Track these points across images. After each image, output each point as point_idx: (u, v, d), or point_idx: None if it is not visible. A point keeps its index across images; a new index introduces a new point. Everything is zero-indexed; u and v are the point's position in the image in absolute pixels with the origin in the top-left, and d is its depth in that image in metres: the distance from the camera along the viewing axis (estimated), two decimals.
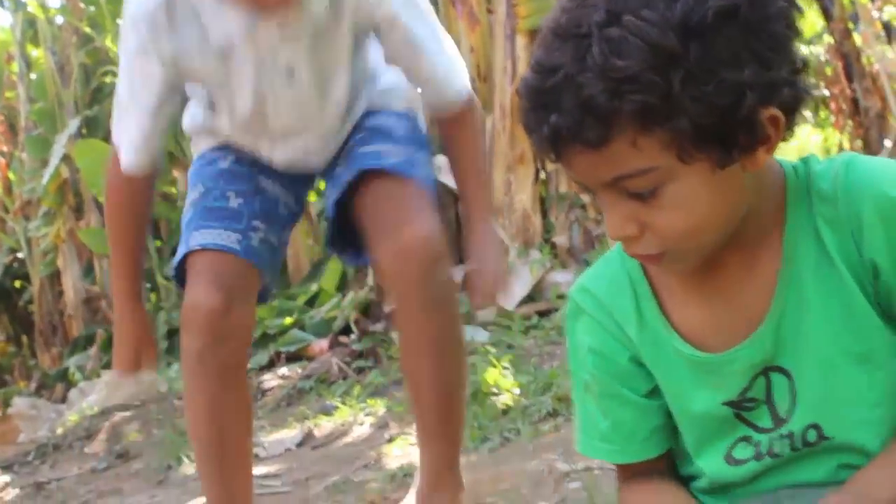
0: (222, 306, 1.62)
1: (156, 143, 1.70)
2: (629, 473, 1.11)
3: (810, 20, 6.85)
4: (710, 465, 1.06)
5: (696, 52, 0.84)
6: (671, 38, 0.83)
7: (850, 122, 5.81)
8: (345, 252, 1.85)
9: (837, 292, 0.98)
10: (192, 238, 1.68)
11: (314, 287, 4.44)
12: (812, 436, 1.01)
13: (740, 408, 1.03)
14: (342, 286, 4.36)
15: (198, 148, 1.85)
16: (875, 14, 5.56)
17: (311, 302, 4.36)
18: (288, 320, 4.18)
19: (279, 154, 1.78)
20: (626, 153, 0.87)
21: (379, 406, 3.20)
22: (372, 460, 2.63)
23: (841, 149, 6.04)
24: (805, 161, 1.00)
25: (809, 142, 7.53)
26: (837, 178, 0.97)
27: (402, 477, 2.33)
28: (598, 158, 0.88)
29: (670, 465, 1.11)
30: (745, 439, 1.04)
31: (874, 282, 0.97)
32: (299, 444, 3.05)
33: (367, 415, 3.16)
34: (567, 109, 0.85)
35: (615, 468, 1.13)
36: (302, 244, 4.76)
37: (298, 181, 1.86)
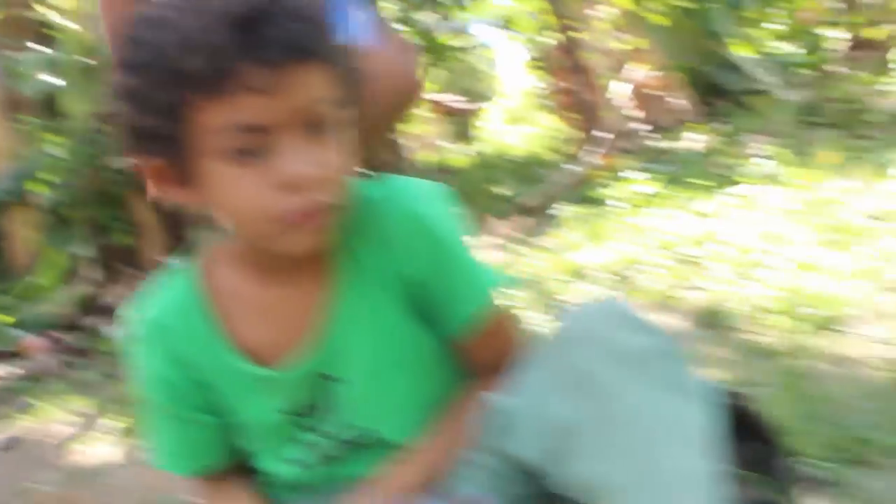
0: None
1: None
2: (204, 484, 1.20)
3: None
4: (273, 467, 1.17)
5: None
6: None
7: (575, 115, 6.21)
8: None
9: (377, 306, 1.09)
10: None
11: (33, 280, 4.29)
12: (363, 437, 1.13)
13: (298, 415, 1.13)
14: (62, 280, 4.24)
15: None
16: (590, 11, 5.94)
17: (30, 296, 4.22)
18: (1, 317, 4.03)
19: None
20: (330, 73, 0.96)
21: (87, 404, 3.16)
22: (66, 461, 2.61)
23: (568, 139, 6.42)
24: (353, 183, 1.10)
25: (548, 129, 7.94)
26: (373, 198, 1.08)
27: (82, 478, 2.33)
28: (320, 72, 0.94)
29: (247, 467, 1.20)
30: (303, 443, 1.14)
31: (411, 293, 1.09)
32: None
33: (72, 414, 3.11)
34: (291, 26, 0.91)
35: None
36: (21, 235, 4.57)
37: None
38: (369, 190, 1.09)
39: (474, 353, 1.13)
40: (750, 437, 1.08)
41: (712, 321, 2.51)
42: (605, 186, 4.15)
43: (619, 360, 0.97)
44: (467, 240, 1.11)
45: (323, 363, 1.10)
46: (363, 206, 1.07)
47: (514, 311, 1.15)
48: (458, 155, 7.97)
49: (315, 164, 0.95)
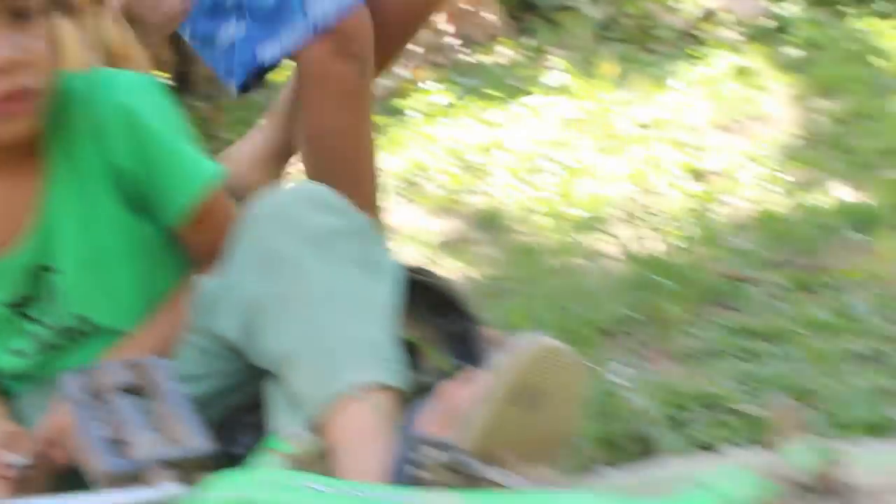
0: None
1: None
2: None
3: None
4: None
5: None
6: None
7: None
8: None
9: (89, 196, 1.13)
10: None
11: None
12: (83, 326, 1.17)
13: (17, 305, 1.16)
14: None
15: None
16: None
17: None
18: None
19: None
20: None
21: None
22: None
23: None
24: (63, 76, 1.11)
25: None
26: (85, 91, 1.11)
27: None
28: None
29: None
30: (26, 333, 1.17)
31: (124, 183, 1.13)
32: None
33: None
34: None
35: None
36: None
37: None
38: (78, 81, 1.12)
39: (192, 241, 1.19)
40: (444, 313, 1.18)
41: (489, 223, 2.64)
42: (405, 98, 4.22)
43: (307, 239, 1.04)
44: (179, 130, 1.15)
45: (37, 254, 1.13)
46: (73, 97, 1.10)
47: (229, 198, 1.20)
48: (278, 71, 7.87)
49: (16, 49, 0.99)
